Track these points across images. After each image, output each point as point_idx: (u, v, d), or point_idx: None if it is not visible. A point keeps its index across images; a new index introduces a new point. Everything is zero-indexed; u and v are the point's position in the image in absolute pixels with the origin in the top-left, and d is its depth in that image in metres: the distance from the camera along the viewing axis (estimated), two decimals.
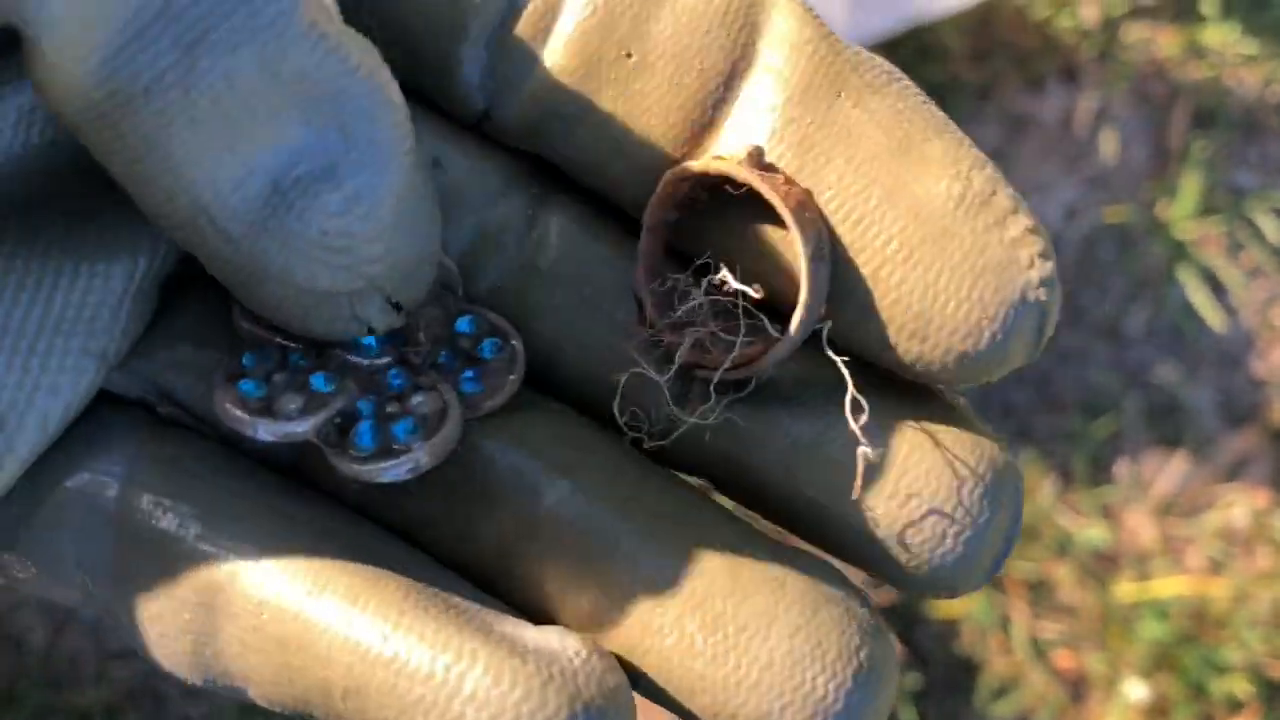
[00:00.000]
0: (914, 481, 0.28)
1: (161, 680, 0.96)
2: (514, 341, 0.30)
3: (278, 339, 0.29)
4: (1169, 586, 1.03)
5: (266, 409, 0.28)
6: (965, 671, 1.03)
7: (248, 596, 0.27)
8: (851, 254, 0.27)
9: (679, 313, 0.29)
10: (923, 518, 0.28)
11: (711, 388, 0.28)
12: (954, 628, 1.04)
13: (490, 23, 0.29)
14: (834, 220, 0.27)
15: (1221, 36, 1.12)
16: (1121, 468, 1.08)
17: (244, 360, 0.29)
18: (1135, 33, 1.13)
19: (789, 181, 0.28)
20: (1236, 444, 1.09)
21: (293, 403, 0.28)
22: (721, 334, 0.28)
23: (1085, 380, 1.10)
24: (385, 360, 0.29)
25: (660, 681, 0.28)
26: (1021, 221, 0.27)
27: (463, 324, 0.30)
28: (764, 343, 0.28)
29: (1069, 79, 1.12)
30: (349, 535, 0.30)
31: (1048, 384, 1.10)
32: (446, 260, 0.29)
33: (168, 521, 0.28)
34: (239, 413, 0.27)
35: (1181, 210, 1.10)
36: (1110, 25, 1.12)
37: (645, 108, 0.29)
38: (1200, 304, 1.09)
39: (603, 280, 0.31)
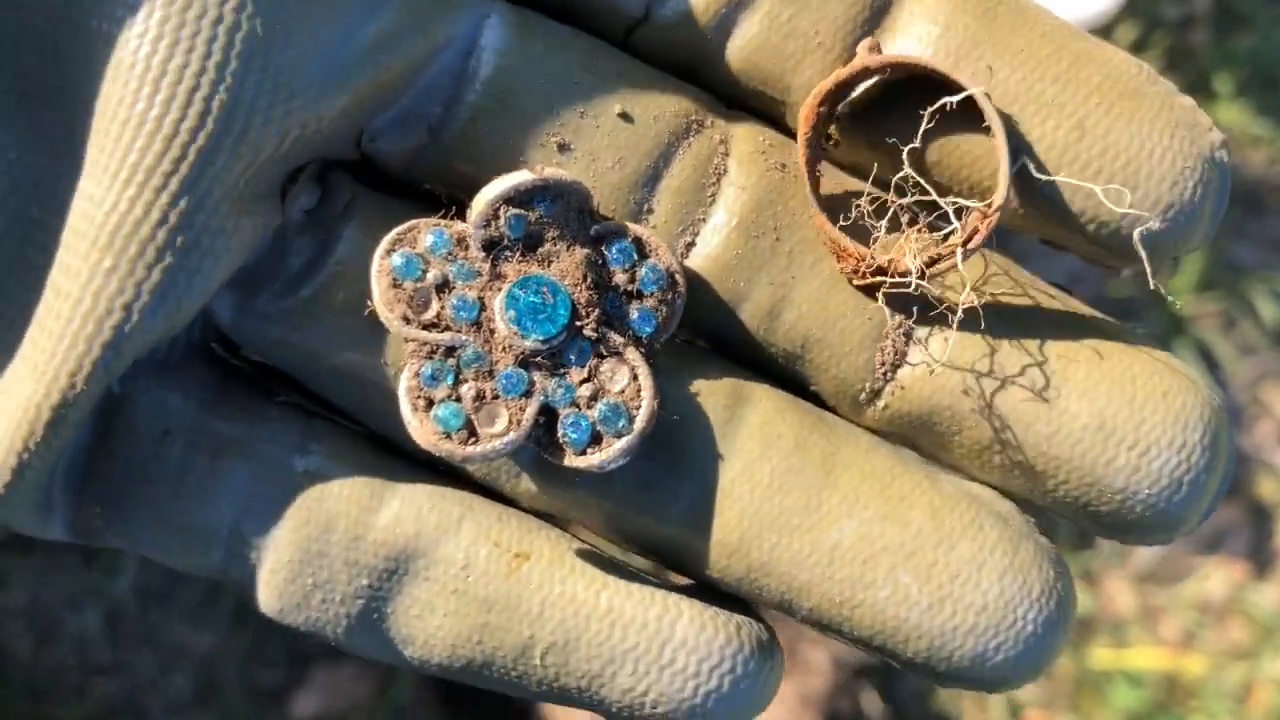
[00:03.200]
0: (1152, 430, 0.28)
1: (144, 696, 0.95)
2: (667, 263, 0.29)
3: (438, 335, 0.28)
4: (1143, 657, 1.05)
5: (471, 433, 0.28)
6: None
7: (452, 560, 0.29)
8: (1053, 109, 0.28)
9: (878, 234, 0.29)
10: (1160, 463, 0.28)
11: (960, 266, 0.28)
12: (932, 684, 1.05)
13: None
14: (1030, 78, 0.28)
15: (1233, 115, 1.13)
16: None
17: (423, 378, 0.28)
18: None
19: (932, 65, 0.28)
20: (1218, 516, 1.11)
21: (495, 423, 0.28)
22: (925, 231, 0.28)
23: None
24: (561, 337, 0.28)
25: (872, 633, 0.29)
26: (1188, 98, 0.29)
27: (615, 255, 0.29)
28: (973, 217, 0.28)
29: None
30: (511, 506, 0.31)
31: None
32: (573, 179, 0.28)
33: (358, 494, 0.29)
34: (448, 445, 0.28)
35: (1182, 284, 1.11)
36: None
37: None
38: None
39: (802, 230, 0.30)
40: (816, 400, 0.31)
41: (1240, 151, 1.15)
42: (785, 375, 0.30)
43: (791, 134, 0.30)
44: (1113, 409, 0.28)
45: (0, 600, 0.94)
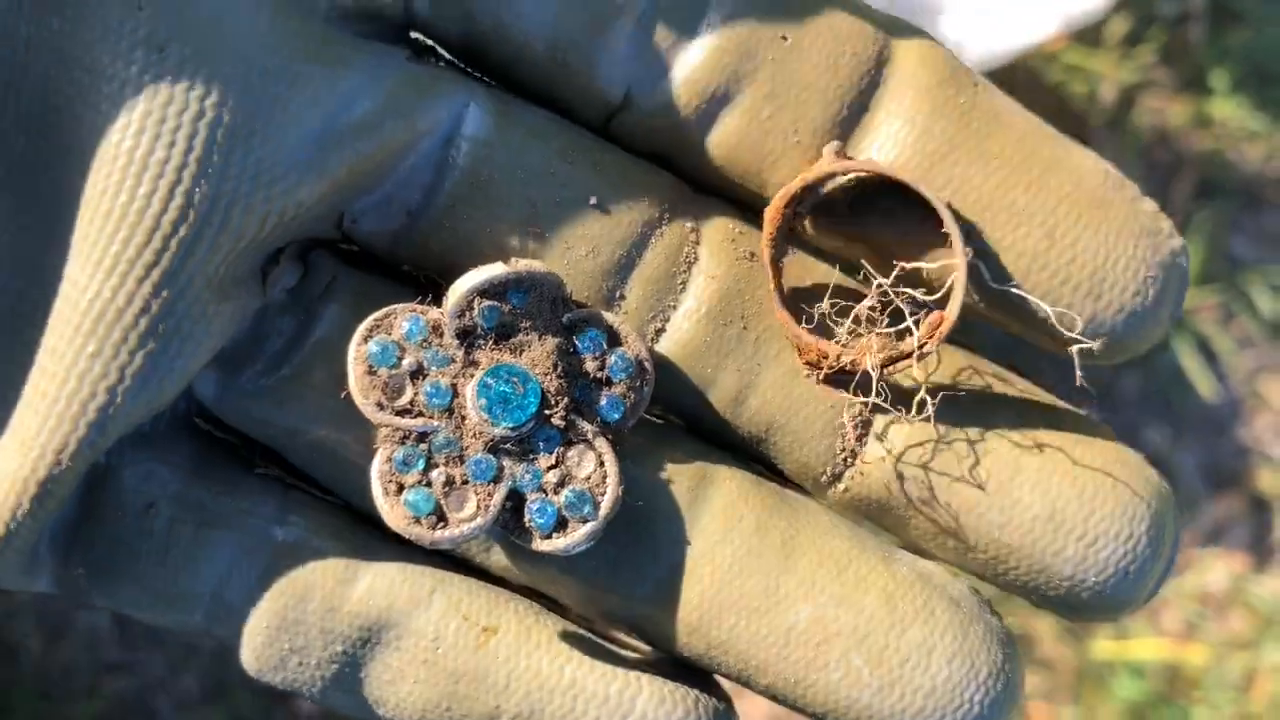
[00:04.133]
0: (1100, 521, 0.29)
1: (154, 694, 0.96)
2: (636, 351, 0.30)
3: (410, 422, 0.29)
4: (1146, 648, 1.06)
5: (440, 517, 0.29)
6: None
7: (422, 633, 0.30)
8: (1024, 217, 0.29)
9: (844, 331, 0.29)
10: (1107, 554, 0.29)
11: (915, 368, 0.29)
12: None
13: (640, 5, 0.29)
14: (1004, 185, 0.29)
15: (1229, 110, 1.14)
16: None
17: (395, 463, 0.29)
18: (1146, 101, 1.15)
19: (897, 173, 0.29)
20: (1218, 509, 1.11)
21: (464, 507, 0.29)
22: (887, 331, 0.29)
23: None
24: (530, 425, 0.29)
25: (825, 711, 0.30)
26: (1151, 202, 0.30)
27: (586, 343, 0.30)
28: (932, 318, 0.29)
29: (1079, 143, 1.14)
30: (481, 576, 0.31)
31: None
32: (546, 271, 0.29)
33: (334, 566, 0.30)
34: (417, 529, 0.29)
35: None
36: (1124, 93, 1.13)
37: (804, 85, 0.29)
38: (1191, 370, 1.11)
39: (769, 318, 0.30)
40: (783, 476, 0.31)
41: (1236, 146, 1.16)
42: (752, 455, 0.31)
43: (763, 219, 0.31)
44: (1063, 501, 0.29)
45: (11, 598, 0.94)
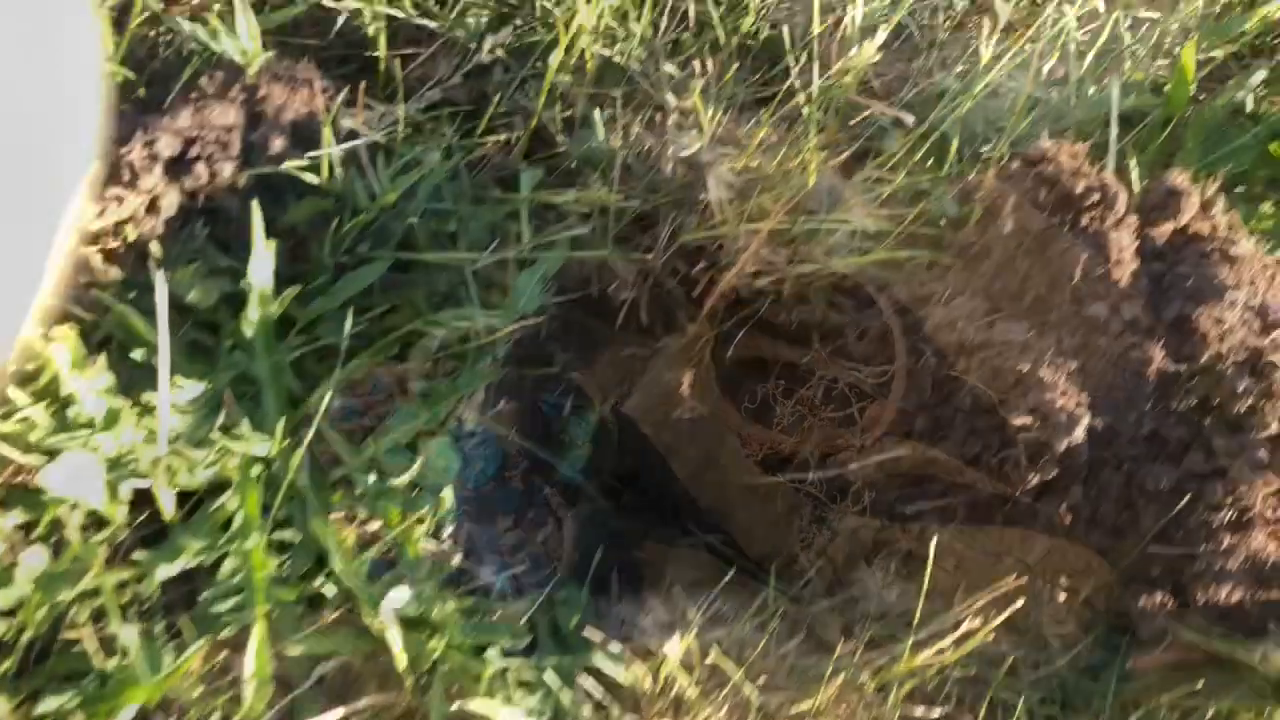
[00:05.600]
0: None
1: None
2: (601, 414, 0.28)
3: None
4: None
5: None
6: None
7: None
8: None
9: (784, 419, 0.29)
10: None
11: (855, 460, 0.28)
12: None
13: None
14: None
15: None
16: None
17: None
18: None
19: None
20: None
21: None
22: (829, 416, 0.29)
23: None
24: (490, 486, 0.27)
25: None
26: None
27: (550, 404, 0.28)
28: (871, 409, 0.28)
29: None
30: None
31: None
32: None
33: None
34: None
35: None
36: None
37: None
38: None
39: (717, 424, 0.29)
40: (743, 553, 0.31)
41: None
42: (713, 530, 0.30)
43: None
44: None
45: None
